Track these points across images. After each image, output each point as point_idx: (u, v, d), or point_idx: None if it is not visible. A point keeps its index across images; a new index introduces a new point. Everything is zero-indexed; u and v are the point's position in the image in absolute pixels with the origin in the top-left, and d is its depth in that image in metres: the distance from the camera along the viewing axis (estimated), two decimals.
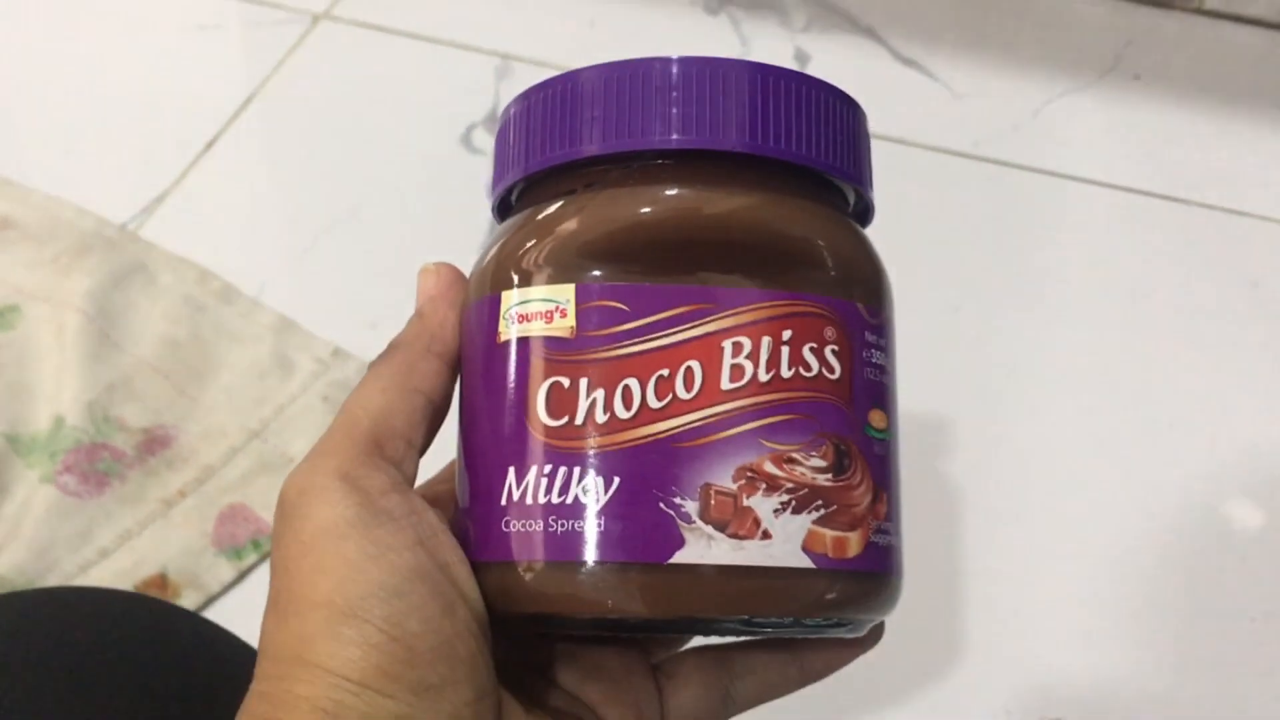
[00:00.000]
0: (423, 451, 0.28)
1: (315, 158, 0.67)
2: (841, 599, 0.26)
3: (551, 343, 0.26)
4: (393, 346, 0.28)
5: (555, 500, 0.25)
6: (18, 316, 0.57)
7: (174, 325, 0.56)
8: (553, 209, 0.27)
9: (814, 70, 0.72)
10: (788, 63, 0.73)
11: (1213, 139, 0.70)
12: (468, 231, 0.63)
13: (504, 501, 0.26)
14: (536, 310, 0.26)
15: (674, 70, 0.27)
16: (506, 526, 0.26)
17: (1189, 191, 0.67)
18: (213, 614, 0.48)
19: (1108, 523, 0.53)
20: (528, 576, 0.26)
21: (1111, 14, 0.78)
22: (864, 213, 0.31)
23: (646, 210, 0.27)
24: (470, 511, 0.27)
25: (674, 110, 0.27)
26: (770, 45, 0.74)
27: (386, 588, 0.24)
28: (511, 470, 0.26)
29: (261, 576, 0.49)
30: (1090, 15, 0.78)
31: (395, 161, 0.67)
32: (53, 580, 0.48)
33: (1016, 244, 0.64)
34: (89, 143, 0.67)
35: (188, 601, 0.48)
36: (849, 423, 0.27)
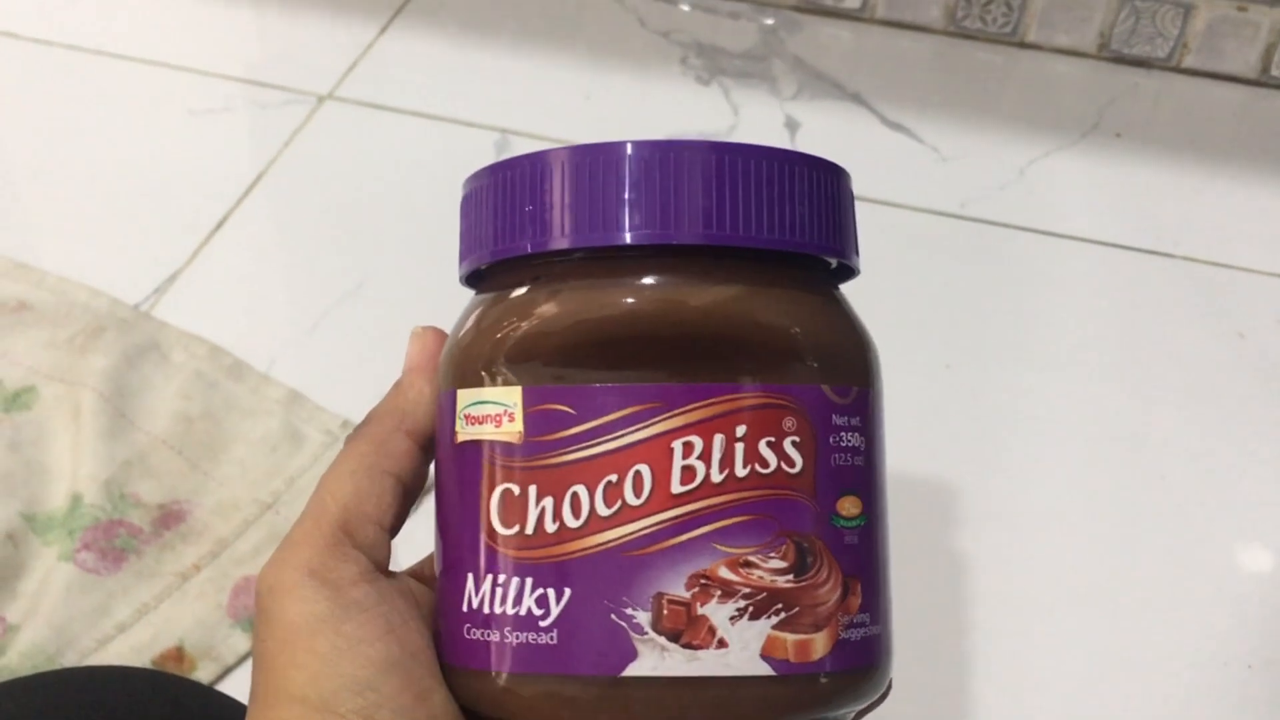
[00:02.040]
0: (396, 530, 0.29)
1: (322, 234, 0.69)
2: (806, 703, 0.25)
3: (501, 448, 0.26)
4: (368, 419, 0.29)
5: (510, 611, 0.25)
6: (34, 397, 0.58)
7: (186, 402, 0.58)
8: (501, 306, 0.27)
9: (803, 136, 0.75)
10: (778, 130, 0.75)
11: (1194, 193, 0.72)
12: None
13: (465, 608, 0.26)
14: (487, 413, 0.26)
15: (621, 160, 0.26)
16: (468, 634, 0.26)
17: (1173, 245, 0.68)
18: (229, 684, 0.49)
19: (1103, 574, 0.54)
20: (487, 684, 0.26)
21: (1092, 74, 0.80)
22: (846, 270, 0.29)
23: (591, 309, 0.26)
24: (440, 606, 0.27)
25: (623, 204, 0.25)
26: (760, 113, 0.76)
27: (358, 681, 0.25)
28: (470, 577, 0.26)
29: None
30: (1071, 76, 0.80)
31: (399, 236, 0.69)
32: (72, 656, 0.49)
33: (1005, 301, 0.66)
34: (102, 225, 0.69)
35: (204, 673, 0.49)
36: (813, 517, 0.26)
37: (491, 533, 0.26)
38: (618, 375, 0.25)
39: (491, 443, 0.26)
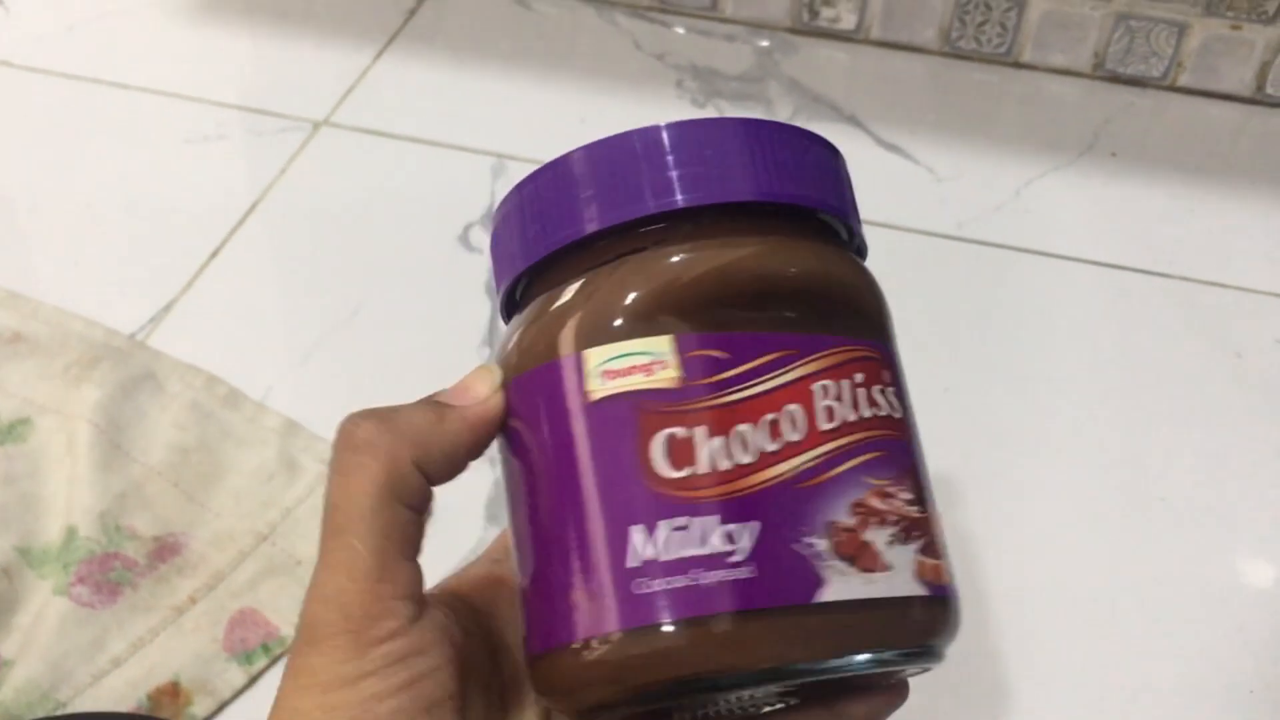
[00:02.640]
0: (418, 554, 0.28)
1: (318, 261, 0.69)
2: (951, 623, 0.27)
3: (657, 395, 0.26)
4: (369, 446, 0.27)
5: (699, 552, 0.25)
6: (29, 429, 0.58)
7: (182, 432, 0.58)
8: (619, 267, 0.28)
9: None
10: None
11: (1191, 212, 0.72)
12: (465, 328, 0.64)
13: (634, 563, 0.25)
14: (634, 364, 0.26)
15: (750, 129, 0.29)
16: (640, 588, 0.25)
17: (1170, 265, 0.68)
18: None
19: (1103, 597, 0.53)
20: (672, 636, 0.25)
21: (1087, 94, 0.80)
22: (859, 252, 0.33)
23: (726, 261, 0.27)
24: (572, 589, 0.26)
25: (757, 168, 0.28)
26: None
27: None
28: (639, 529, 0.25)
29: (271, 682, 0.50)
30: (1067, 96, 0.80)
31: (395, 262, 0.69)
32: (66, 691, 0.48)
33: (1003, 322, 0.66)
34: (96, 255, 0.69)
35: (200, 708, 0.49)
36: (916, 457, 0.28)
37: (659, 479, 0.25)
38: (757, 324, 0.27)
39: (644, 391, 0.26)
